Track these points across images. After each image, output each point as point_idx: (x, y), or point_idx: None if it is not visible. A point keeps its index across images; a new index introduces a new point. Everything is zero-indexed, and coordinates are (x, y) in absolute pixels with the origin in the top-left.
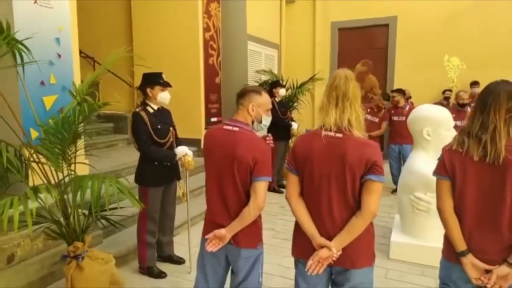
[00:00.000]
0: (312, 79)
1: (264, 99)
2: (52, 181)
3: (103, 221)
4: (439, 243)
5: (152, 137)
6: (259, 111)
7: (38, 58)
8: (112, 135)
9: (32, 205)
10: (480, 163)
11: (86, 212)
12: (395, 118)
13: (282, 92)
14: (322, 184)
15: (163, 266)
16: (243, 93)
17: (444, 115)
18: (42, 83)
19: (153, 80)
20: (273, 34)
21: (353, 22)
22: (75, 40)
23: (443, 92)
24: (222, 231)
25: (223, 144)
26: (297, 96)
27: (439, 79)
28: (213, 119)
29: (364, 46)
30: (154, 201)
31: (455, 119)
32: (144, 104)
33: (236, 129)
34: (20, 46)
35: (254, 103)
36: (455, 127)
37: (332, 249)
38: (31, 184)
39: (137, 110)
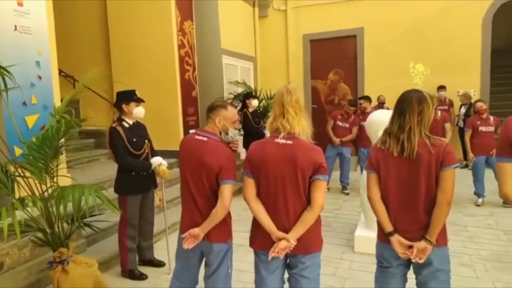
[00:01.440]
0: None
1: (229, 113)
2: (37, 193)
3: (86, 229)
4: None
5: (128, 150)
6: (225, 124)
7: (20, 81)
8: (94, 150)
9: (20, 215)
10: (398, 158)
11: (69, 220)
12: (363, 123)
13: (254, 103)
14: (277, 185)
15: (144, 269)
16: (212, 108)
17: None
18: (24, 103)
19: (128, 97)
20: (248, 48)
21: (323, 34)
22: (54, 62)
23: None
24: (195, 230)
25: (194, 152)
26: (271, 105)
27: (406, 85)
28: (192, 131)
29: (335, 56)
30: (132, 208)
31: None
32: (120, 120)
33: (205, 139)
34: (2, 71)
35: (221, 116)
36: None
37: (290, 240)
38: (17, 197)
39: (114, 125)
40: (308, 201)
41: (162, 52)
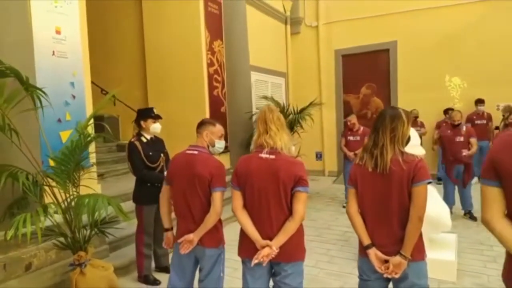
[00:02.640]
0: (311, 104)
1: (216, 128)
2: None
3: (110, 236)
4: None
5: (144, 162)
6: (212, 137)
7: (56, 100)
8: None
9: (41, 220)
10: (373, 173)
11: (88, 227)
12: (351, 138)
13: None
14: (261, 197)
15: (160, 276)
16: (201, 124)
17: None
18: (59, 120)
19: (146, 114)
20: (280, 64)
21: (355, 49)
22: (87, 82)
23: (445, 112)
24: (190, 236)
25: (186, 164)
26: (298, 120)
27: (442, 98)
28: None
29: (367, 71)
30: (148, 217)
31: (452, 135)
32: (138, 135)
33: (195, 152)
34: (38, 91)
35: (208, 131)
36: (454, 143)
37: (272, 247)
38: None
39: (132, 140)
40: (291, 212)
41: (192, 71)
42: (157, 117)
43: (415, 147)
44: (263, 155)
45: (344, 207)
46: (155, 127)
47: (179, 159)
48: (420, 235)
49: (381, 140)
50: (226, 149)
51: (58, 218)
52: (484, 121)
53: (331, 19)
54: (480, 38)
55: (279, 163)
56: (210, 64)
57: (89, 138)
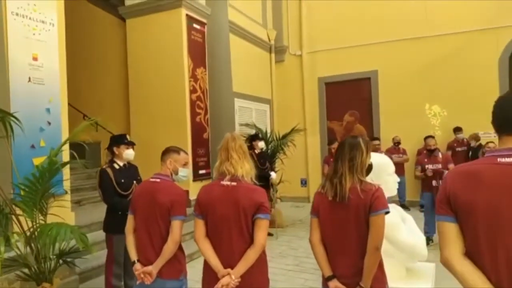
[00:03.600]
0: (293, 130)
1: (180, 156)
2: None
3: (81, 266)
4: (391, 283)
5: (116, 190)
6: (175, 165)
7: (30, 126)
8: None
9: (1, 250)
10: (333, 202)
11: (53, 256)
12: None
13: (261, 144)
14: (223, 225)
15: None
16: (165, 152)
17: (383, 161)
18: (33, 146)
19: (119, 140)
20: (264, 91)
21: (338, 77)
22: (64, 108)
23: (425, 139)
24: (149, 268)
25: (147, 193)
26: (281, 146)
27: (423, 125)
28: (202, 171)
29: (350, 98)
30: (118, 247)
31: (426, 163)
32: (111, 162)
33: (158, 180)
34: (10, 117)
35: (172, 159)
36: (427, 170)
37: (232, 276)
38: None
39: (104, 167)
40: (252, 239)
41: (174, 97)
42: (130, 144)
43: (390, 175)
44: (225, 183)
45: None
46: (128, 154)
47: (141, 187)
48: (381, 266)
49: (340, 169)
50: (208, 175)
51: (24, 248)
52: (465, 148)
53: (315, 48)
54: (458, 68)
55: (239, 190)
56: (192, 91)
57: (56, 165)
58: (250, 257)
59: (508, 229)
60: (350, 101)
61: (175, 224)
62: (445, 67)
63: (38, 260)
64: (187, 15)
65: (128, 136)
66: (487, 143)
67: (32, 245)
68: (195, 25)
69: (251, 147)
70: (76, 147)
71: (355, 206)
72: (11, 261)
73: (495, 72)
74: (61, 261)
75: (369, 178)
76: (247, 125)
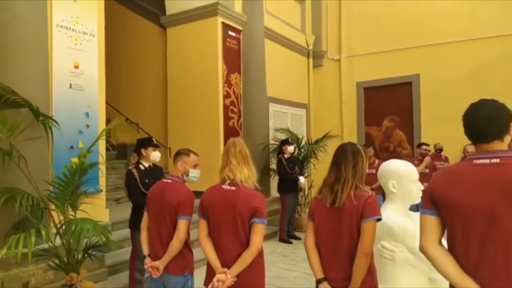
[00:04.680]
0: (326, 136)
1: (190, 158)
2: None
3: (109, 259)
4: None
5: (140, 189)
6: (185, 167)
7: (70, 129)
8: None
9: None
10: (330, 207)
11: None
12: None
13: (290, 149)
14: (221, 227)
15: None
16: (176, 154)
17: (406, 168)
18: (72, 147)
19: (146, 142)
20: (301, 95)
21: (377, 82)
22: (102, 113)
23: (465, 146)
24: (156, 263)
25: (159, 193)
26: (313, 151)
27: None
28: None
29: (390, 103)
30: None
31: None
32: (137, 163)
33: (169, 181)
34: (50, 120)
35: (182, 161)
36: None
37: (227, 275)
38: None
39: (130, 168)
40: (249, 243)
41: (208, 102)
42: (157, 146)
43: (414, 182)
44: (225, 187)
45: None
46: (155, 155)
47: (155, 187)
48: (371, 271)
49: (343, 175)
50: None
51: (57, 240)
52: None
53: (353, 53)
54: (506, 72)
55: (237, 195)
56: (226, 96)
57: (84, 166)
58: (245, 259)
59: (480, 221)
60: (389, 106)
61: (181, 223)
62: (492, 71)
63: (68, 252)
64: (222, 23)
65: (154, 139)
66: (465, 146)
67: (63, 238)
68: (230, 32)
69: (281, 152)
70: (119, 148)
71: (348, 212)
72: (45, 252)
73: None
74: (86, 254)
75: (390, 185)
76: (281, 129)
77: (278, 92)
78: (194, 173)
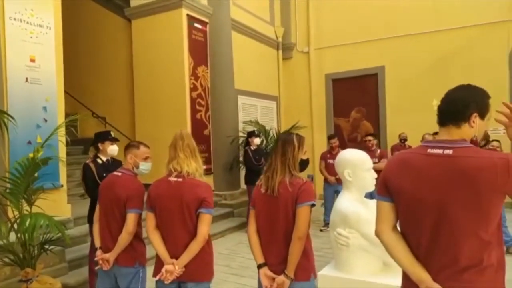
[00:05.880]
0: (293, 127)
1: (140, 150)
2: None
3: (71, 254)
4: (361, 277)
5: (97, 184)
6: (135, 160)
7: (27, 124)
8: None
9: None
10: (265, 194)
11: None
12: (331, 161)
13: (256, 141)
14: (169, 218)
15: None
16: (126, 147)
17: (360, 157)
18: (29, 142)
19: (103, 136)
20: (271, 88)
21: (345, 73)
22: (61, 107)
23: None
24: (106, 255)
25: (108, 185)
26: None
27: (429, 122)
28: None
29: (357, 95)
30: None
31: None
32: (95, 157)
33: (119, 174)
34: (6, 116)
35: (132, 154)
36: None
37: (175, 265)
38: None
39: (87, 162)
40: (196, 233)
41: (175, 95)
42: (114, 140)
43: (368, 171)
44: (171, 179)
45: (321, 230)
46: (112, 149)
47: (105, 180)
48: (307, 255)
49: (273, 164)
50: (210, 171)
51: (13, 236)
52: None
53: (322, 45)
54: (467, 63)
55: (184, 186)
56: (193, 89)
57: (37, 160)
58: (192, 249)
59: (429, 212)
60: (357, 98)
61: (130, 216)
62: (454, 62)
63: (23, 248)
64: (187, 15)
65: (112, 133)
66: (424, 135)
67: (18, 234)
68: (196, 25)
69: (248, 144)
70: (86, 143)
71: (284, 198)
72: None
73: (505, 68)
74: (40, 249)
75: (346, 174)
76: (250, 122)
77: (247, 84)
78: (144, 166)
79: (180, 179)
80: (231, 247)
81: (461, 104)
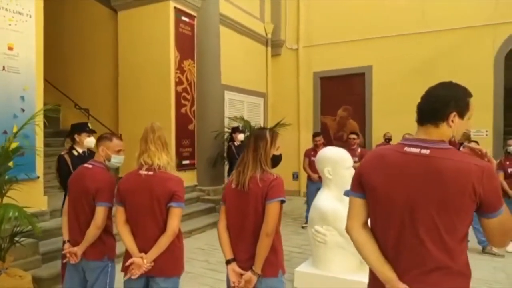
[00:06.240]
0: (278, 124)
1: (112, 143)
2: None
3: (45, 247)
4: (337, 274)
5: None
6: (107, 152)
7: (3, 113)
8: None
9: None
10: (236, 190)
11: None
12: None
13: (240, 137)
14: (138, 212)
15: None
16: (98, 139)
17: (341, 155)
18: (5, 132)
19: (80, 128)
20: (259, 84)
21: (333, 72)
22: (39, 97)
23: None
24: (74, 249)
25: (78, 178)
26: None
27: (415, 122)
28: (185, 162)
29: (344, 93)
30: None
31: None
32: (70, 149)
33: (90, 166)
34: None
35: (104, 146)
36: None
37: (143, 260)
38: None
39: (62, 153)
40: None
41: (160, 88)
42: (91, 132)
43: (348, 169)
44: (142, 172)
45: (303, 227)
46: (89, 141)
47: (75, 172)
48: (275, 251)
49: (245, 159)
50: (193, 166)
51: None
52: (457, 147)
53: (311, 43)
54: (453, 65)
55: (154, 180)
56: (178, 83)
57: (6, 152)
58: (162, 243)
59: (399, 211)
60: (344, 96)
61: (98, 210)
62: (440, 64)
63: None
64: (175, 7)
65: (89, 124)
66: (404, 135)
67: None
68: (183, 18)
69: (232, 139)
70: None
71: (254, 194)
72: None
73: (490, 70)
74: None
75: (326, 171)
76: (235, 117)
77: (235, 80)
78: (116, 159)
79: (150, 173)
80: (211, 243)
81: (440, 103)
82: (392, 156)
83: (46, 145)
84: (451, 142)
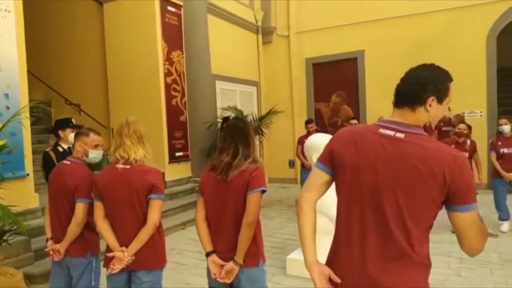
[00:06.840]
0: (270, 112)
1: (90, 138)
2: None
3: (36, 244)
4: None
5: None
6: (84, 147)
7: None
8: None
9: None
10: (215, 179)
11: None
12: None
13: None
14: (117, 207)
15: None
16: (76, 135)
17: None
18: None
19: (64, 124)
20: (251, 73)
21: (325, 58)
22: (24, 94)
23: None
24: (56, 246)
25: (57, 174)
26: (259, 128)
27: None
28: (178, 154)
29: (337, 79)
30: None
31: None
32: (55, 145)
33: (68, 162)
34: None
35: (81, 141)
36: None
37: (124, 253)
38: None
39: (47, 150)
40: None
41: (149, 81)
42: (76, 127)
43: None
44: (119, 166)
45: None
46: (73, 137)
47: (55, 169)
48: (256, 241)
49: (227, 148)
50: (187, 158)
51: None
52: (451, 128)
53: (302, 29)
54: (445, 46)
55: (132, 173)
56: (167, 74)
57: None
58: (142, 236)
59: (364, 192)
60: (337, 82)
61: (78, 206)
62: (432, 45)
63: None
64: None
65: (73, 120)
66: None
67: None
68: (169, 8)
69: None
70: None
71: (235, 184)
72: None
73: (482, 50)
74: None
75: (314, 158)
76: (228, 107)
77: (226, 69)
78: (94, 154)
79: (128, 166)
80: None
81: (419, 85)
82: (366, 136)
83: (37, 141)
84: (425, 127)
